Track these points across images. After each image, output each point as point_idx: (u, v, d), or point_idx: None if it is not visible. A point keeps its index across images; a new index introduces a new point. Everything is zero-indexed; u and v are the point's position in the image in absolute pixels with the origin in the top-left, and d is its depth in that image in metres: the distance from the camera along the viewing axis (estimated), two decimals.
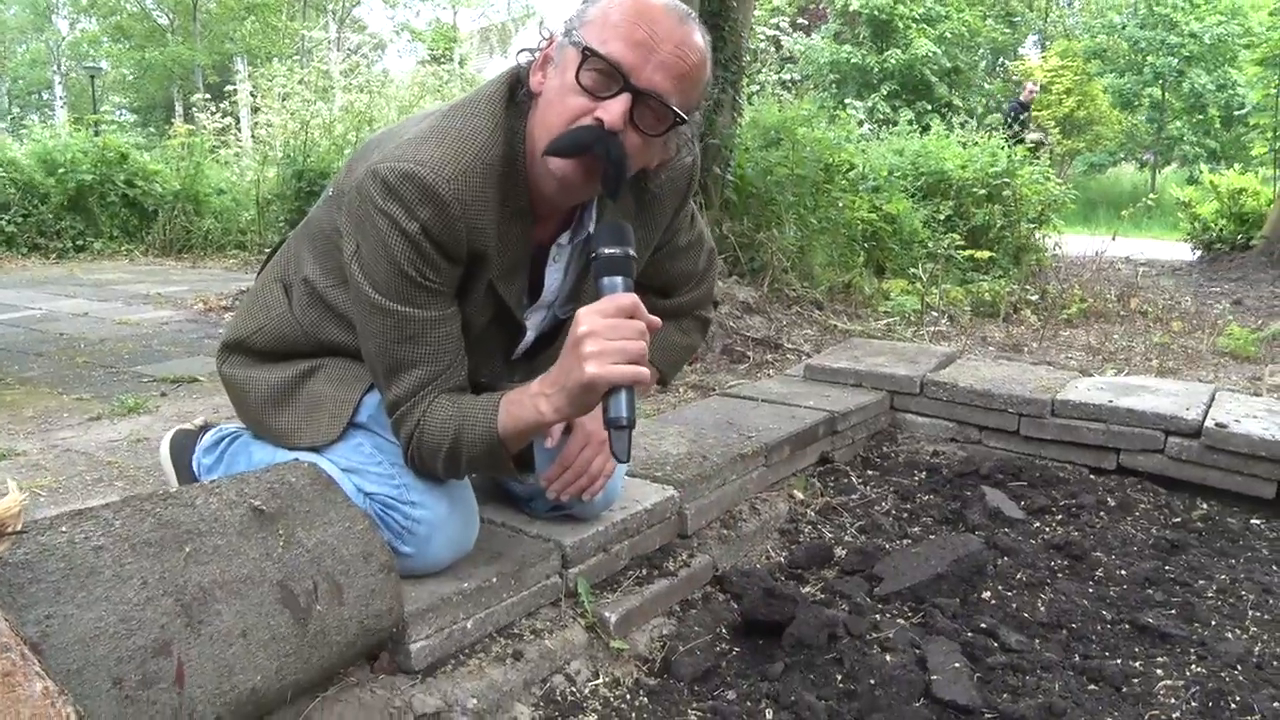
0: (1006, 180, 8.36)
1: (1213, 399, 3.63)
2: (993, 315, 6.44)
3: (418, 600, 1.94)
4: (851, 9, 27.17)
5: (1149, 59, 27.34)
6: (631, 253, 1.77)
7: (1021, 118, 13.71)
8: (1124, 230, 14.32)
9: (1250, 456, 3.25)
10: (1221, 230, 12.25)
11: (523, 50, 1.92)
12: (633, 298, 1.72)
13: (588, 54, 1.71)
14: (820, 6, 28.71)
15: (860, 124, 9.51)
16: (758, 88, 8.39)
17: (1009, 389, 3.65)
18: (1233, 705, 2.12)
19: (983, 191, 8.26)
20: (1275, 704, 2.13)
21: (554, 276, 2.05)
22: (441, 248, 1.78)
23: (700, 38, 1.79)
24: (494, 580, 2.12)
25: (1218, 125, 27.49)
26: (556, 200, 1.89)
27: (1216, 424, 3.33)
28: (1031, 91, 14.50)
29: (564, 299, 2.13)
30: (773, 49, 9.66)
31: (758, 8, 10.26)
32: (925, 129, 10.21)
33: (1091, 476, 3.44)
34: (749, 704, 2.10)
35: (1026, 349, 5.32)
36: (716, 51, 5.76)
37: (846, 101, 10.35)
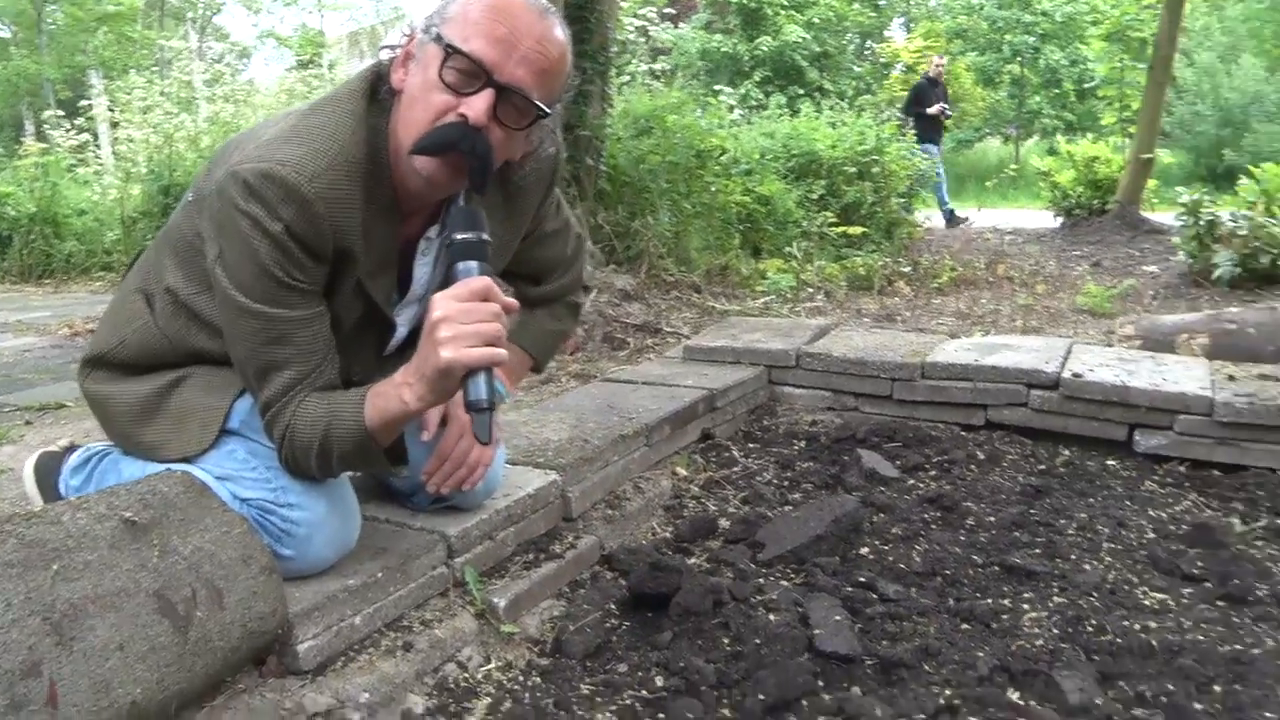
0: (875, 157, 8.60)
1: (1069, 352, 3.82)
2: (868, 289, 6.62)
3: (303, 600, 1.94)
4: None
5: (1007, 37, 28.28)
6: (485, 237, 1.79)
7: (936, 91, 13.85)
8: (992, 202, 14.77)
9: (1104, 403, 3.44)
10: (1080, 197, 12.76)
11: (384, 47, 1.93)
12: (486, 281, 1.74)
13: (450, 51, 1.73)
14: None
15: (731, 109, 9.66)
16: (628, 78, 8.45)
17: (881, 356, 3.78)
18: (1089, 627, 2.26)
19: (853, 169, 8.48)
20: (1125, 622, 2.28)
21: (423, 271, 2.07)
22: (306, 247, 1.77)
23: (560, 32, 1.83)
24: (380, 575, 2.12)
25: (1073, 98, 28.56)
26: (423, 196, 1.90)
27: (1073, 374, 3.51)
28: (938, 66, 14.58)
29: (434, 292, 2.14)
30: (642, 40, 9.74)
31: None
32: (795, 112, 10.42)
33: (962, 433, 3.58)
34: (640, 673, 2.15)
35: (900, 318, 5.50)
36: (583, 43, 5.85)
37: (717, 88, 10.47)
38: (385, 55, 1.91)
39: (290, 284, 1.79)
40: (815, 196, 8.01)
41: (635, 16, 9.74)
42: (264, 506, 1.97)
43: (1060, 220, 12.83)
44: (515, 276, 2.38)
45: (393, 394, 1.81)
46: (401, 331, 2.15)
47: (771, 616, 2.29)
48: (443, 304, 1.71)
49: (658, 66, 9.73)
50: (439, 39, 1.76)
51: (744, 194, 7.12)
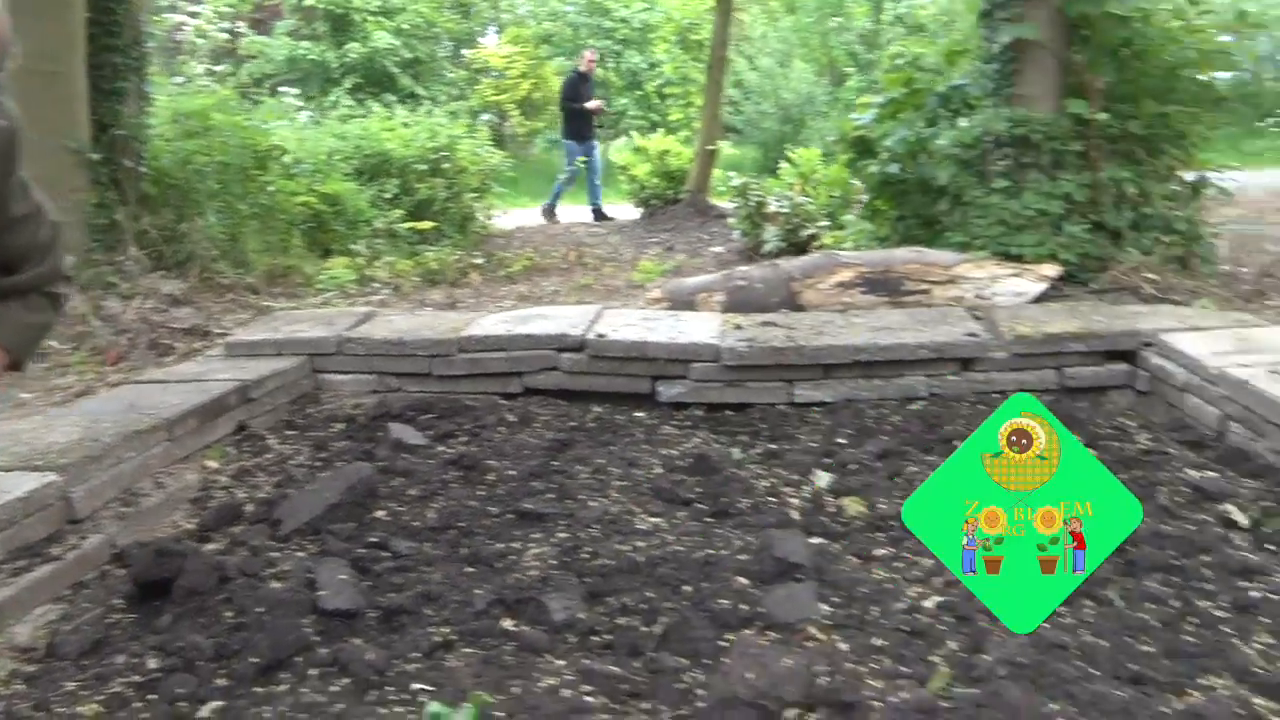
0: (446, 154, 8.75)
1: (598, 316, 4.12)
2: (441, 282, 6.74)
3: None
4: (307, 3, 26.65)
5: (590, 42, 29.66)
6: None
7: (587, 86, 13.76)
8: (570, 199, 15.37)
9: (626, 359, 3.76)
10: (656, 188, 13.65)
11: None
12: None
13: None
14: (277, 4, 27.84)
15: (300, 110, 9.45)
16: (183, 79, 8.04)
17: (420, 335, 3.89)
18: (585, 554, 2.49)
19: (425, 167, 8.58)
20: (619, 545, 2.53)
21: None
22: None
23: None
24: None
25: (655, 99, 30.49)
26: None
27: (598, 336, 3.80)
28: (590, 61, 14.49)
29: None
30: (201, 40, 9.29)
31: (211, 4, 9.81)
32: (359, 103, 10.31)
33: (501, 401, 3.76)
34: (134, 660, 2.11)
35: (462, 305, 5.66)
36: (114, 37, 5.51)
37: (282, 90, 10.19)
38: None
39: None
40: (389, 196, 8.03)
41: (213, 20, 9.24)
42: None
43: (641, 211, 13.66)
44: None
45: None
46: None
47: (277, 585, 2.32)
48: None
49: (219, 69, 9.33)
50: None
51: (309, 194, 7.01)
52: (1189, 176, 5.24)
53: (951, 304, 4.27)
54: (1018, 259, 4.54)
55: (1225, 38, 5.19)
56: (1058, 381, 3.71)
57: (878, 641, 2.04)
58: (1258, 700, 1.80)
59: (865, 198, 5.88)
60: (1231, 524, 2.59)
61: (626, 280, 6.52)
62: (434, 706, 1.76)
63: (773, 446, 3.31)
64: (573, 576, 2.37)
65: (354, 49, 26.68)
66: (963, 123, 4.92)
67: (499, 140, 27.81)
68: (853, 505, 2.74)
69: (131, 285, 4.97)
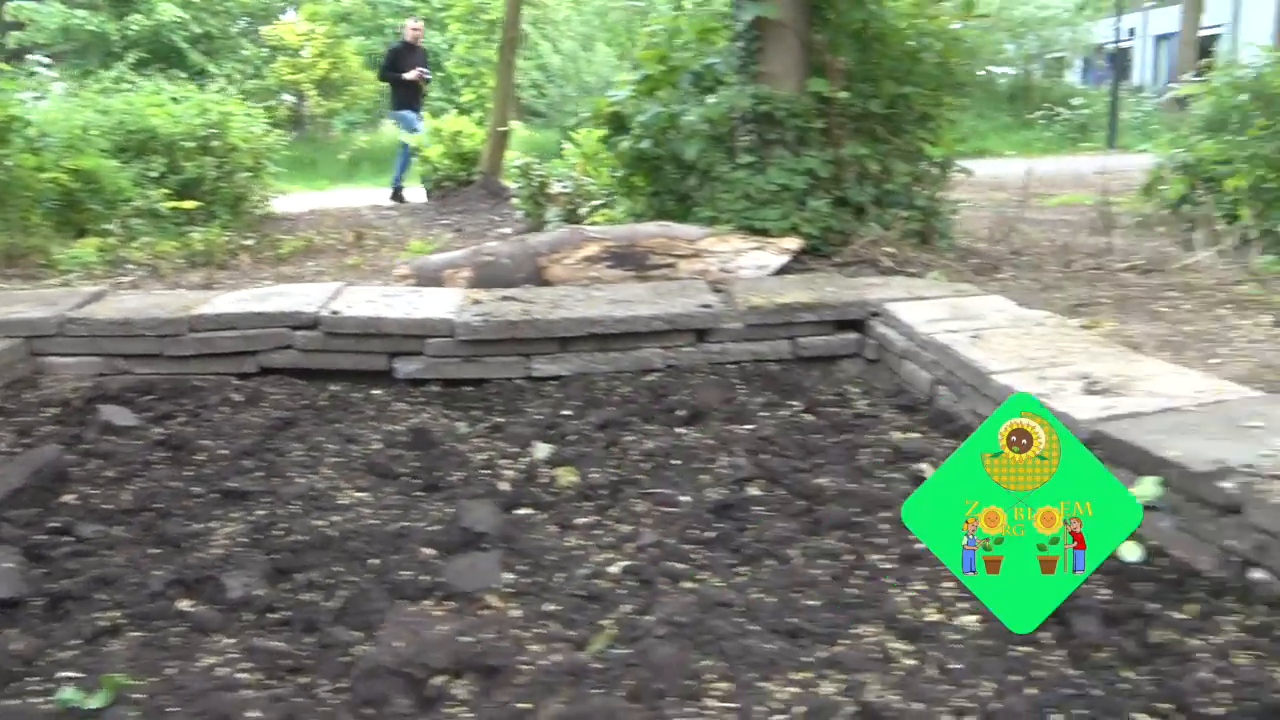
0: (216, 131, 8.41)
1: (338, 294, 4.03)
2: (207, 264, 6.47)
3: None
4: None
5: (390, 20, 29.00)
6: None
7: (414, 56, 13.12)
8: (384, 181, 14.98)
9: (362, 335, 3.69)
10: (449, 170, 13.47)
11: None
12: None
13: None
14: None
15: (54, 82, 8.89)
16: None
17: (149, 314, 3.72)
18: (278, 531, 2.42)
19: (193, 145, 8.23)
20: (315, 521, 2.48)
21: None
22: None
23: None
24: None
25: (457, 80, 30.07)
26: None
27: (332, 312, 3.72)
28: (415, 30, 13.75)
29: None
30: None
31: None
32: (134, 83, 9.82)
33: (235, 381, 3.62)
34: None
35: (221, 286, 5.45)
36: None
37: (32, 56, 9.55)
38: None
39: None
40: (154, 174, 7.65)
41: None
42: None
43: (432, 193, 13.45)
44: None
45: None
46: None
47: None
48: None
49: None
50: None
51: (58, 170, 6.60)
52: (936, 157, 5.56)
53: (695, 277, 4.38)
54: (763, 233, 4.69)
55: (958, 25, 5.50)
56: (791, 351, 3.85)
57: (551, 607, 2.06)
58: (895, 644, 1.90)
59: (621, 174, 5.95)
60: (920, 481, 2.74)
61: (394, 261, 6.43)
62: (66, 692, 1.69)
63: (500, 420, 3.31)
64: (260, 554, 2.31)
65: (137, 21, 25.29)
66: (711, 99, 5.05)
67: (297, 121, 26.96)
68: (565, 475, 2.77)
69: None
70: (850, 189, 5.01)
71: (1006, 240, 5.88)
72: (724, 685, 1.76)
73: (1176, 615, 1.94)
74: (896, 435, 3.07)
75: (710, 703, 1.71)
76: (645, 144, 5.29)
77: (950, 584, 2.08)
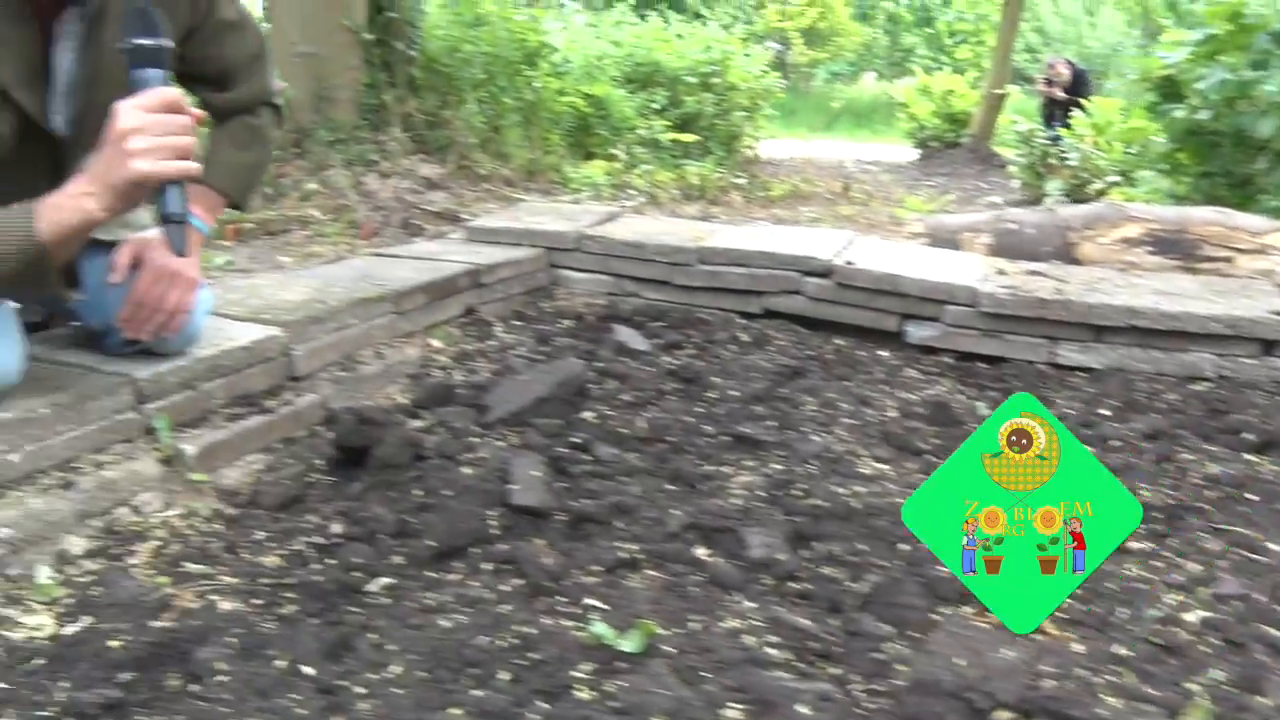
0: (717, 70, 8.53)
1: (850, 243, 3.82)
2: (699, 198, 6.57)
3: None
4: None
5: None
6: (165, 43, 1.70)
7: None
8: (861, 135, 14.83)
9: (875, 291, 3.45)
10: (936, 129, 12.97)
11: None
12: (175, 92, 1.67)
13: None
14: None
15: (576, 14, 9.44)
16: None
17: (660, 240, 3.72)
18: (797, 492, 2.26)
19: (695, 80, 8.40)
20: (832, 487, 2.29)
21: (65, 58, 1.91)
22: None
23: None
24: (45, 411, 1.99)
25: (947, 39, 28.98)
26: None
27: (846, 262, 3.51)
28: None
29: (83, 84, 1.97)
30: None
31: None
32: (642, 18, 10.22)
33: (738, 319, 3.54)
34: (322, 522, 2.07)
35: (716, 220, 5.46)
36: None
37: None
38: None
39: None
40: (656, 106, 7.90)
41: None
42: None
43: (917, 152, 13.02)
44: (196, 81, 2.22)
45: (71, 205, 1.67)
46: (65, 130, 1.98)
47: (469, 471, 2.22)
48: (131, 114, 1.62)
49: None
50: None
51: (575, 95, 6.97)
52: None
53: (1257, 277, 3.70)
54: None
55: None
56: None
57: (1120, 650, 1.72)
58: None
59: (1164, 149, 5.21)
60: None
61: (890, 216, 6.14)
62: (599, 627, 1.60)
63: None
64: (779, 513, 2.16)
65: None
66: None
67: (781, 67, 27.29)
68: None
69: (392, 165, 5.05)
70: None
71: None
72: None
73: None
74: None
75: None
76: (1203, 115, 4.57)
77: None
